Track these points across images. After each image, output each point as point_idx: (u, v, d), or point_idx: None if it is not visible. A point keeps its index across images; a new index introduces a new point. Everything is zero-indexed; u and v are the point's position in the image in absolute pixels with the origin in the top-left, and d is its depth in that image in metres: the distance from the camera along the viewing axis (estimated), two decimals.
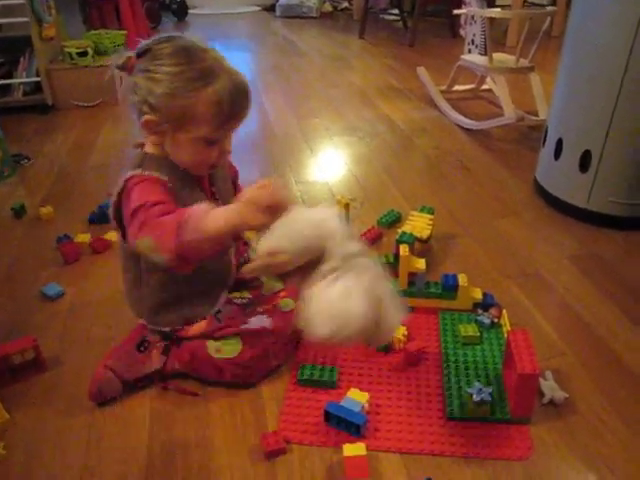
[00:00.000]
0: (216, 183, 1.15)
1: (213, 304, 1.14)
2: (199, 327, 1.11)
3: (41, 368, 1.15)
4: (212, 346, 1.09)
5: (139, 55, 1.01)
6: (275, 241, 0.86)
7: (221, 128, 1.01)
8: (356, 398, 1.00)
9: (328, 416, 1.00)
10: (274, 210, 0.88)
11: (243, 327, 1.10)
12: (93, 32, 3.12)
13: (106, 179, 2.00)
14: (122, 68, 1.02)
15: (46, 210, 1.75)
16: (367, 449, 0.93)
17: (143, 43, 1.01)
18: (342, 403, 1.00)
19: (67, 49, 2.75)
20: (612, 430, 0.99)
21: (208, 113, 0.98)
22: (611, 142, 1.54)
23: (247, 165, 2.13)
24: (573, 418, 1.01)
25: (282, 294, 1.20)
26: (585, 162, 1.60)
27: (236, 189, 1.26)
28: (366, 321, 0.83)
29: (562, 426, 1.00)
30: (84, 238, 1.57)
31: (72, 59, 2.75)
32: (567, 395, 1.05)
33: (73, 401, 1.08)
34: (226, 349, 1.09)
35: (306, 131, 2.46)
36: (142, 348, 1.11)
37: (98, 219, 1.70)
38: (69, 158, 2.22)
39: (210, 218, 0.89)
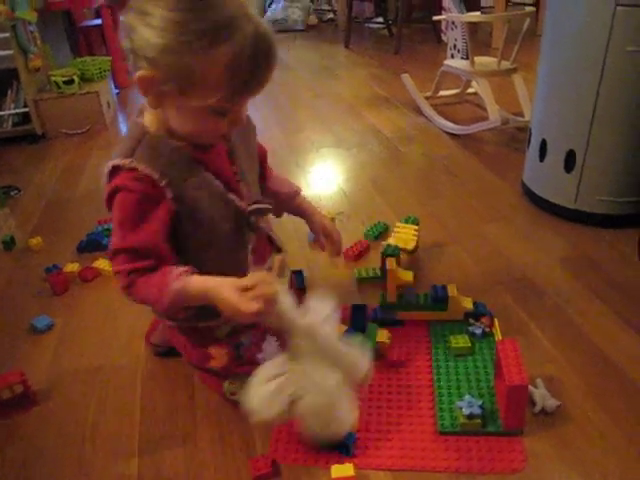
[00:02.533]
0: (237, 161, 1.01)
1: None
2: (220, 360, 1.06)
3: (30, 402, 1.14)
4: (227, 389, 1.07)
5: None
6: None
7: (236, 97, 0.83)
8: None
9: None
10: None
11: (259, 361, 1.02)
12: (79, 59, 3.14)
13: (95, 207, 2.00)
14: (113, 0, 0.88)
15: (35, 241, 1.75)
16: (357, 468, 0.92)
17: None
18: None
19: (53, 78, 2.76)
20: (606, 437, 0.97)
21: (220, 78, 0.79)
22: (594, 140, 1.53)
23: None
24: (566, 426, 1.00)
25: None
26: (570, 162, 1.60)
27: (264, 171, 1.15)
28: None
29: (555, 435, 0.98)
30: (73, 267, 1.57)
31: (59, 88, 2.77)
32: (559, 403, 1.03)
33: (63, 435, 1.07)
34: (241, 395, 1.02)
35: (293, 145, 2.46)
36: None
37: (87, 248, 1.70)
38: (59, 187, 2.22)
39: (191, 290, 0.89)
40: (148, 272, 0.90)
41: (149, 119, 0.92)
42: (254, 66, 0.80)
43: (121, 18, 0.82)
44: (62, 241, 1.77)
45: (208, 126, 0.87)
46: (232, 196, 0.99)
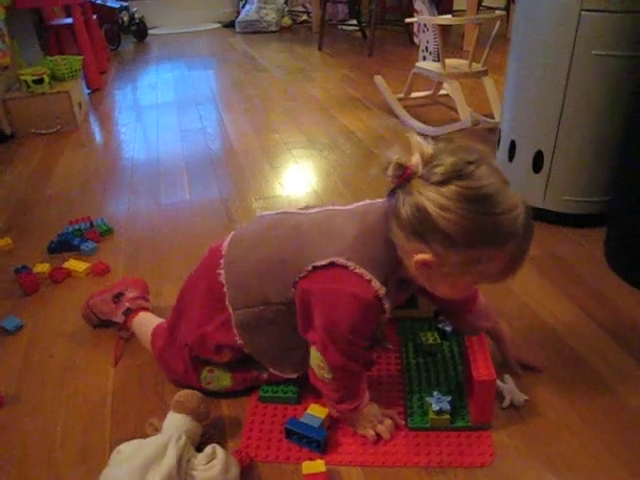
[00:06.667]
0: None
1: None
2: (225, 356, 1.07)
3: None
4: (204, 378, 1.08)
5: (425, 178, 0.82)
6: None
7: (507, 275, 0.89)
8: (316, 414, 1.00)
9: (289, 433, 0.99)
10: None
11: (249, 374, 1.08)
12: (49, 58, 3.09)
13: (65, 207, 1.98)
14: (393, 174, 0.84)
15: (4, 241, 1.72)
16: (328, 464, 0.93)
17: (442, 168, 0.81)
18: (302, 419, 0.99)
19: (23, 77, 2.72)
20: (573, 430, 1.00)
21: (501, 264, 0.86)
22: (561, 141, 1.57)
23: (206, 182, 2.14)
24: (534, 420, 1.02)
25: None
26: (538, 162, 1.63)
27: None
28: None
29: (523, 429, 1.01)
30: (43, 268, 1.55)
31: (28, 87, 2.72)
32: (527, 397, 1.05)
33: (30, 439, 1.05)
34: (215, 384, 1.09)
35: (265, 146, 2.47)
36: (116, 299, 1.29)
37: (57, 248, 1.68)
38: (28, 187, 2.19)
39: (354, 411, 0.99)
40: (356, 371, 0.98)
41: (402, 250, 0.90)
42: (527, 247, 0.87)
43: (408, 197, 0.83)
44: (32, 241, 1.75)
45: (463, 292, 0.97)
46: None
